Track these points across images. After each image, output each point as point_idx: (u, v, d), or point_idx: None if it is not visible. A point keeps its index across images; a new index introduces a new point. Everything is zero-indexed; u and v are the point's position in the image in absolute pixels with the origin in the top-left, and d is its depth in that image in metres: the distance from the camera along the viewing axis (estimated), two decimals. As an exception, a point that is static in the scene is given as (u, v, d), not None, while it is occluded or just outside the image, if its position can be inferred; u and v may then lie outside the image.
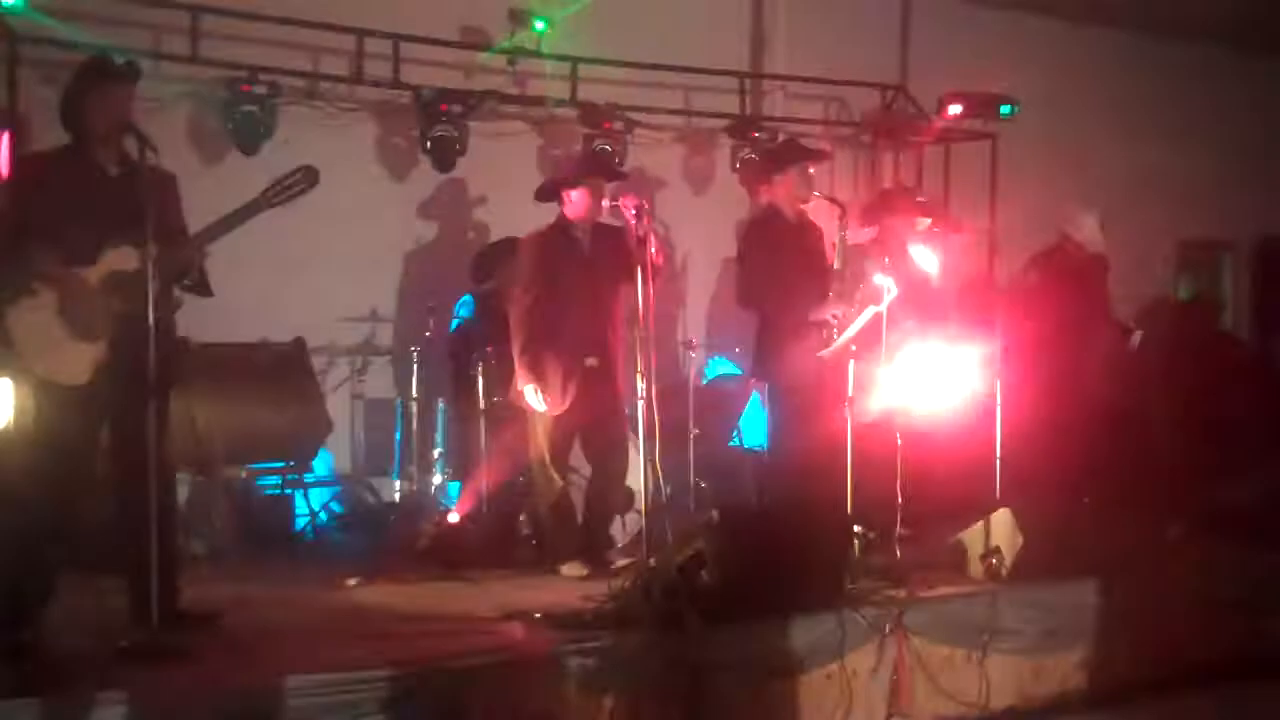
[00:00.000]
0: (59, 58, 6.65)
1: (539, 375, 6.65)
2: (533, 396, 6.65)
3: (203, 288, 5.41)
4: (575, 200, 6.83)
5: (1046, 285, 8.21)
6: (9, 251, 5.13)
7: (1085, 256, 8.26)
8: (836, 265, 7.07)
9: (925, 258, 7.86)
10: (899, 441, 6.61)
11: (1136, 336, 8.49)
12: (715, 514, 5.52)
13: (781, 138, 9.21)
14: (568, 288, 6.73)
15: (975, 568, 6.52)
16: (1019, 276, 8.58)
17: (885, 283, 6.57)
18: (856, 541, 6.21)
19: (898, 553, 6.43)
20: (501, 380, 7.15)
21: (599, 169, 7.34)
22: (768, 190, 7.46)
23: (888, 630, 5.76)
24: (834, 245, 7.13)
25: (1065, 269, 8.21)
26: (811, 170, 7.35)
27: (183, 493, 6.91)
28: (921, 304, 7.44)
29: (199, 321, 6.63)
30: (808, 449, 6.86)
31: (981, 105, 9.66)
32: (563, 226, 6.87)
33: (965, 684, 6.01)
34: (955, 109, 9.63)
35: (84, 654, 4.89)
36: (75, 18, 7.18)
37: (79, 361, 5.09)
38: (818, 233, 7.33)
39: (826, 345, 6.87)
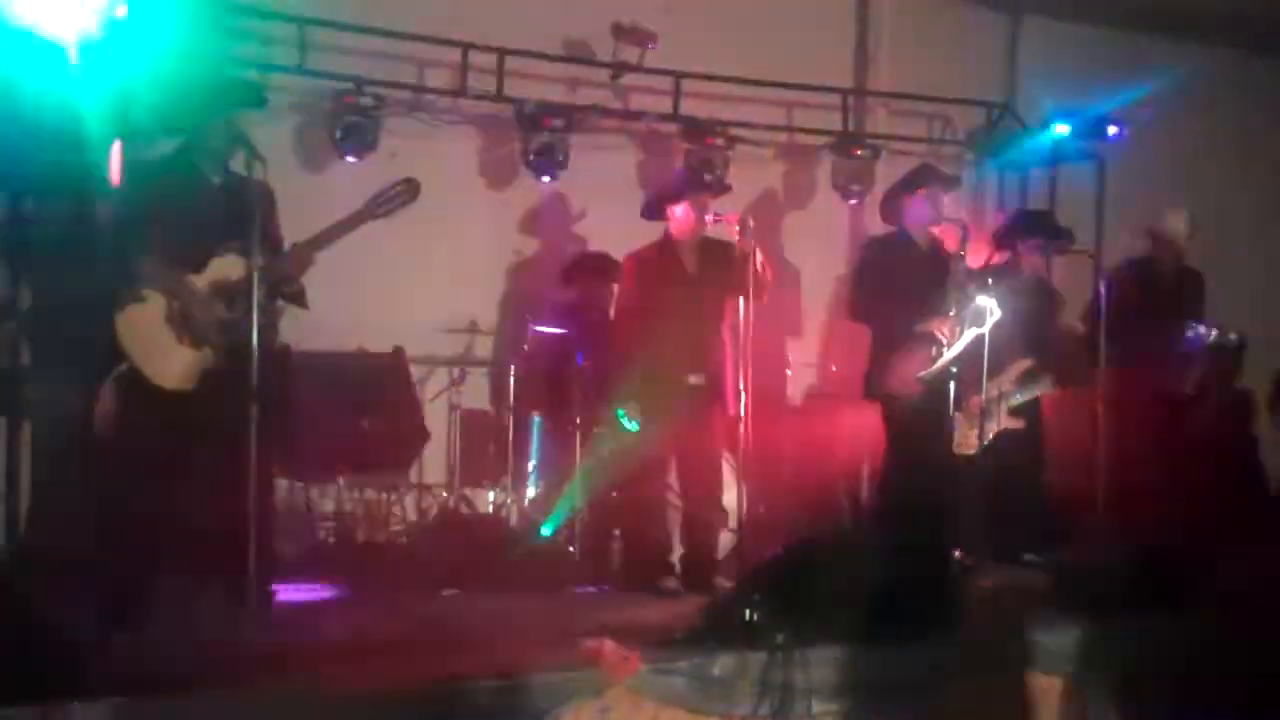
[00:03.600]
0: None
1: (634, 394, 6.64)
2: (625, 417, 6.64)
3: (300, 299, 5.47)
4: (679, 216, 6.82)
5: (1131, 297, 7.90)
6: (121, 258, 5.23)
7: (1178, 265, 8.05)
8: (952, 285, 7.00)
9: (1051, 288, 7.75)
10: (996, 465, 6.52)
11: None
12: (812, 535, 5.45)
13: (884, 155, 9.15)
14: (672, 304, 6.71)
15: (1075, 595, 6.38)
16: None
17: (989, 304, 6.48)
18: (956, 568, 6.12)
19: (993, 579, 6.32)
20: (599, 395, 7.16)
21: (702, 184, 7.31)
22: (896, 215, 7.41)
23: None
24: (953, 265, 7.07)
25: (1156, 277, 7.93)
26: (946, 197, 7.30)
27: (281, 499, 7.00)
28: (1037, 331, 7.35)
29: (300, 330, 6.71)
30: (910, 465, 6.80)
31: (1089, 125, 9.51)
32: (667, 242, 6.87)
33: (1062, 715, 5.87)
34: (1062, 128, 9.48)
35: (182, 655, 4.95)
36: (184, 28, 7.29)
37: (185, 367, 5.18)
38: (945, 259, 7.20)
39: (932, 363, 6.82)
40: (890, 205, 7.33)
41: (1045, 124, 9.56)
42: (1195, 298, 8.16)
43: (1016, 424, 7.17)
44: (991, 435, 6.94)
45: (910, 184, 7.34)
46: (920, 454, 6.82)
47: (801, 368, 8.82)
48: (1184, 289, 8.08)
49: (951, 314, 6.91)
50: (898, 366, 6.97)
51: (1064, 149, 9.73)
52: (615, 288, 7.71)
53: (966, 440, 6.83)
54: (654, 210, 6.96)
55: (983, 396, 6.74)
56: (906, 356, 6.94)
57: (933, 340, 6.92)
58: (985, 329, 6.47)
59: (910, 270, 7.13)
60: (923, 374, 6.84)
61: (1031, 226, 7.89)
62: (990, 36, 10.27)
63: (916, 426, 6.88)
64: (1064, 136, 9.51)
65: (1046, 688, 5.80)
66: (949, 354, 6.67)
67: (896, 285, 7.06)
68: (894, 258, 7.23)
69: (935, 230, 7.24)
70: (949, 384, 6.61)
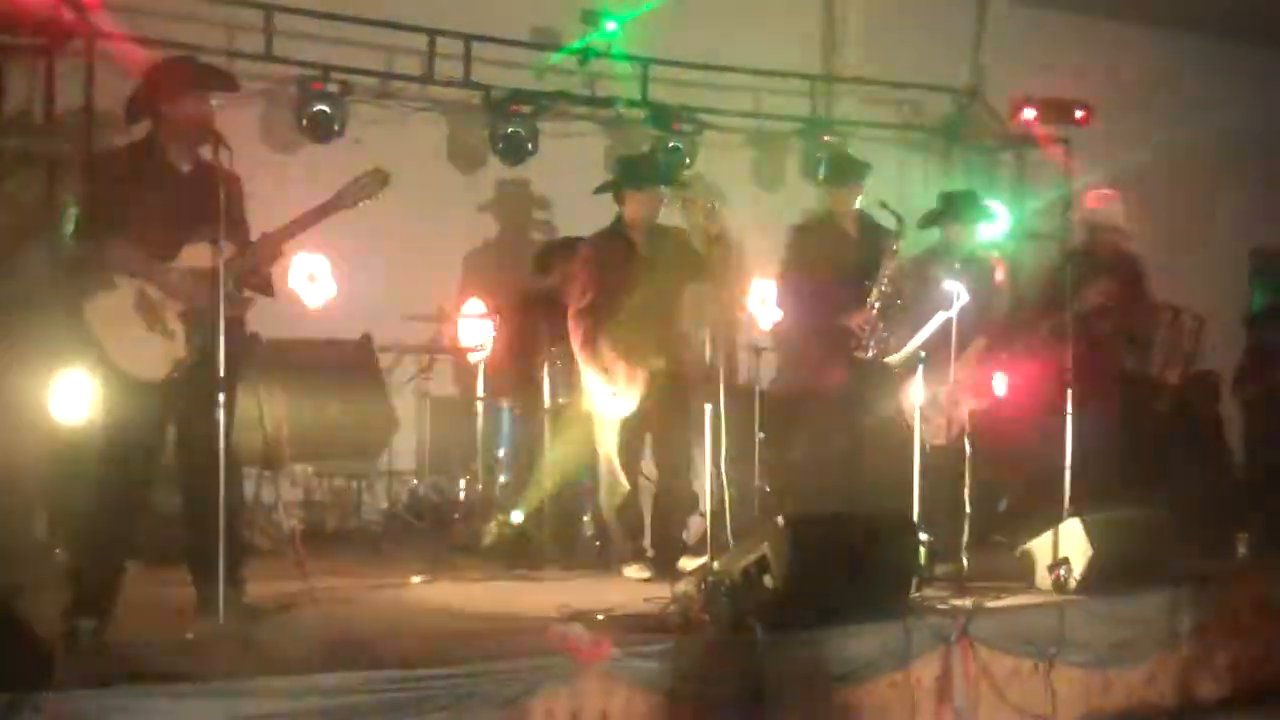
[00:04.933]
0: (134, 53, 6.73)
1: (606, 369, 6.65)
2: (603, 391, 6.65)
3: (266, 287, 5.45)
4: (635, 201, 6.81)
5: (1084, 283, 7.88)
6: (89, 245, 5.20)
7: (1118, 246, 8.05)
8: (883, 279, 7.06)
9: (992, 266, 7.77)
10: (968, 450, 6.54)
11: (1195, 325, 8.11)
12: (780, 519, 5.46)
13: (853, 141, 9.18)
14: (626, 290, 6.71)
15: (1043, 578, 6.43)
16: (1049, 277, 8.07)
17: (955, 289, 6.51)
18: (922, 550, 6.15)
19: (964, 562, 6.36)
20: (567, 381, 7.16)
21: (659, 172, 7.29)
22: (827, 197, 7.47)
23: (953, 639, 5.69)
24: (885, 257, 7.11)
25: (1101, 263, 7.93)
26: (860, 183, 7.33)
27: (249, 487, 6.98)
28: (989, 312, 7.38)
29: (268, 318, 6.67)
30: (820, 452, 6.94)
31: (1055, 110, 9.55)
32: (620, 227, 6.86)
33: (1031, 695, 5.92)
34: (1029, 114, 9.53)
35: (149, 645, 4.93)
36: (150, 14, 7.26)
37: (157, 356, 5.15)
38: (877, 241, 7.24)
39: (860, 352, 6.91)
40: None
41: (1013, 109, 9.59)
42: (1133, 281, 8.09)
43: (984, 404, 7.21)
44: (966, 418, 6.97)
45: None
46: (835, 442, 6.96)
47: (769, 354, 8.82)
48: (1120, 272, 7.98)
49: (874, 309, 7.00)
50: (813, 359, 7.11)
51: (1031, 134, 9.77)
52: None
53: (935, 428, 6.86)
54: (610, 190, 6.93)
55: (950, 381, 6.76)
56: (824, 349, 7.10)
57: (850, 335, 7.05)
58: (953, 313, 6.49)
59: (828, 257, 7.19)
60: (892, 359, 6.87)
61: (957, 207, 7.86)
62: (958, 22, 10.29)
63: (831, 414, 7.08)
64: (1031, 121, 9.55)
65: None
66: (916, 339, 6.69)
67: (816, 275, 7.12)
68: (814, 245, 7.29)
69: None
70: (918, 369, 6.63)
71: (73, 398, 6.45)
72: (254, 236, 5.38)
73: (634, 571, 6.65)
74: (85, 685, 4.26)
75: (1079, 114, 9.56)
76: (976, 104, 10.02)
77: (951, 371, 6.65)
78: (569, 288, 7.04)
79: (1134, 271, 8.03)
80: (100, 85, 7.14)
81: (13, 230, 7.16)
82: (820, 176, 8.10)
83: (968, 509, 6.43)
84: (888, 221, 7.03)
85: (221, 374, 4.91)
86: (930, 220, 7.61)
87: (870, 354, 7.05)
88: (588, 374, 6.72)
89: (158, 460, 5.28)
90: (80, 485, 5.68)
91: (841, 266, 7.20)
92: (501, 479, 7.92)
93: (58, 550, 6.52)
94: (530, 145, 8.38)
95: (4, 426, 7.02)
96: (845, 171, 7.54)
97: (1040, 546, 6.48)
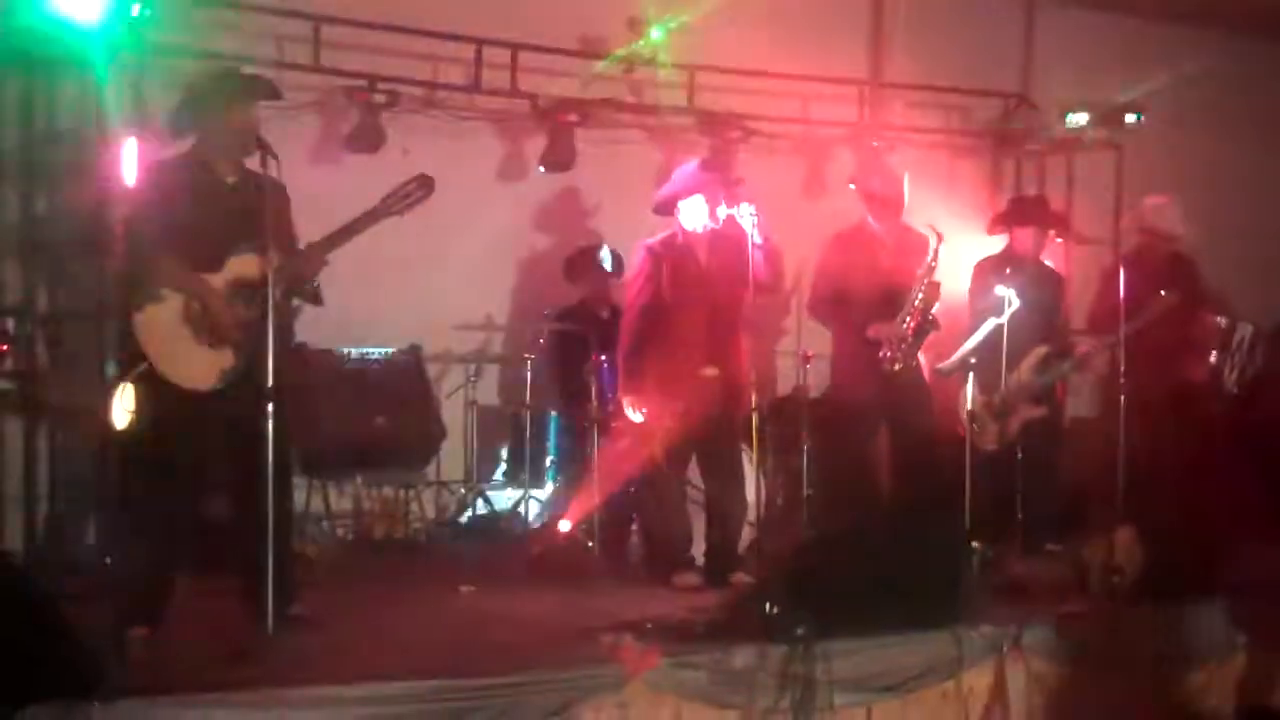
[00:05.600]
0: (183, 66, 6.78)
1: (638, 387, 6.63)
2: (629, 408, 6.64)
3: (314, 297, 5.46)
4: (689, 210, 6.79)
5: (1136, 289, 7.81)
6: (137, 257, 5.24)
7: (1173, 252, 7.97)
8: (917, 293, 7.05)
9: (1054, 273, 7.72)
10: (1019, 456, 6.49)
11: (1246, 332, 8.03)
12: (828, 528, 5.42)
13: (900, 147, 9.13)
14: (683, 298, 6.69)
15: (1096, 585, 6.36)
16: (1106, 282, 7.93)
17: (1007, 294, 6.46)
18: (974, 558, 6.10)
19: (1017, 570, 6.29)
20: (614, 389, 7.15)
21: (713, 179, 7.27)
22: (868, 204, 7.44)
23: (1005, 649, 5.63)
24: (920, 274, 7.09)
25: (1154, 268, 7.80)
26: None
27: (299, 497, 7.01)
28: (1048, 318, 7.34)
29: (316, 328, 6.70)
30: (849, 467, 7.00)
31: (1106, 114, 9.45)
32: (677, 236, 6.84)
33: (1085, 706, 5.85)
34: (1078, 118, 9.43)
35: (199, 654, 4.95)
36: (199, 26, 7.31)
37: (205, 367, 5.18)
38: (915, 252, 7.24)
39: (891, 365, 6.90)
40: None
41: (1063, 113, 9.50)
42: (1188, 288, 7.99)
43: (1039, 412, 7.16)
44: (1018, 426, 6.91)
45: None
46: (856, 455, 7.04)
47: (817, 360, 8.77)
48: (1176, 278, 7.90)
49: (906, 324, 6.98)
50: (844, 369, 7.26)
51: (1082, 138, 9.67)
52: (618, 280, 7.79)
53: (986, 434, 6.81)
54: (666, 207, 6.93)
55: (1003, 387, 6.71)
56: (854, 360, 7.17)
57: (881, 347, 7.06)
58: (1004, 319, 6.43)
59: (864, 265, 7.16)
60: (941, 366, 6.83)
61: (1025, 212, 7.81)
62: (1007, 25, 10.21)
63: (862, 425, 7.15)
64: (1082, 126, 9.46)
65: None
66: (966, 345, 6.65)
67: (850, 284, 7.11)
68: (850, 252, 7.26)
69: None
70: (968, 376, 6.58)
71: (123, 408, 6.49)
72: (301, 246, 5.40)
73: (683, 580, 6.61)
74: (136, 694, 4.29)
75: (1130, 118, 9.45)
76: (1025, 108, 9.93)
77: (1004, 378, 6.60)
78: (602, 296, 7.04)
79: (1189, 278, 7.94)
80: (149, 98, 7.19)
81: (64, 244, 7.23)
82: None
83: (1019, 516, 6.38)
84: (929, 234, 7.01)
85: (270, 383, 4.93)
86: (997, 224, 7.58)
87: (896, 368, 7.06)
88: (623, 382, 6.72)
89: (207, 470, 5.31)
90: (132, 495, 5.71)
91: (873, 277, 7.18)
92: (549, 487, 7.90)
93: (109, 559, 6.56)
94: (575, 153, 8.37)
95: (57, 439, 7.10)
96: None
97: (1094, 554, 6.41)
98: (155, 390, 5.24)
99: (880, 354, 7.09)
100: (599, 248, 8.20)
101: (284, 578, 5.16)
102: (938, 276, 7.13)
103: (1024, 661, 5.67)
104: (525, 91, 8.36)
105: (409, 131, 8.06)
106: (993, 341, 6.73)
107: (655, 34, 8.47)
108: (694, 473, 7.02)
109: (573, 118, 8.36)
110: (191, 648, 5.04)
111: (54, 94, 7.26)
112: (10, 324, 6.87)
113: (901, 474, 7.26)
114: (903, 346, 7.06)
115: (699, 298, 6.70)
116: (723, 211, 6.71)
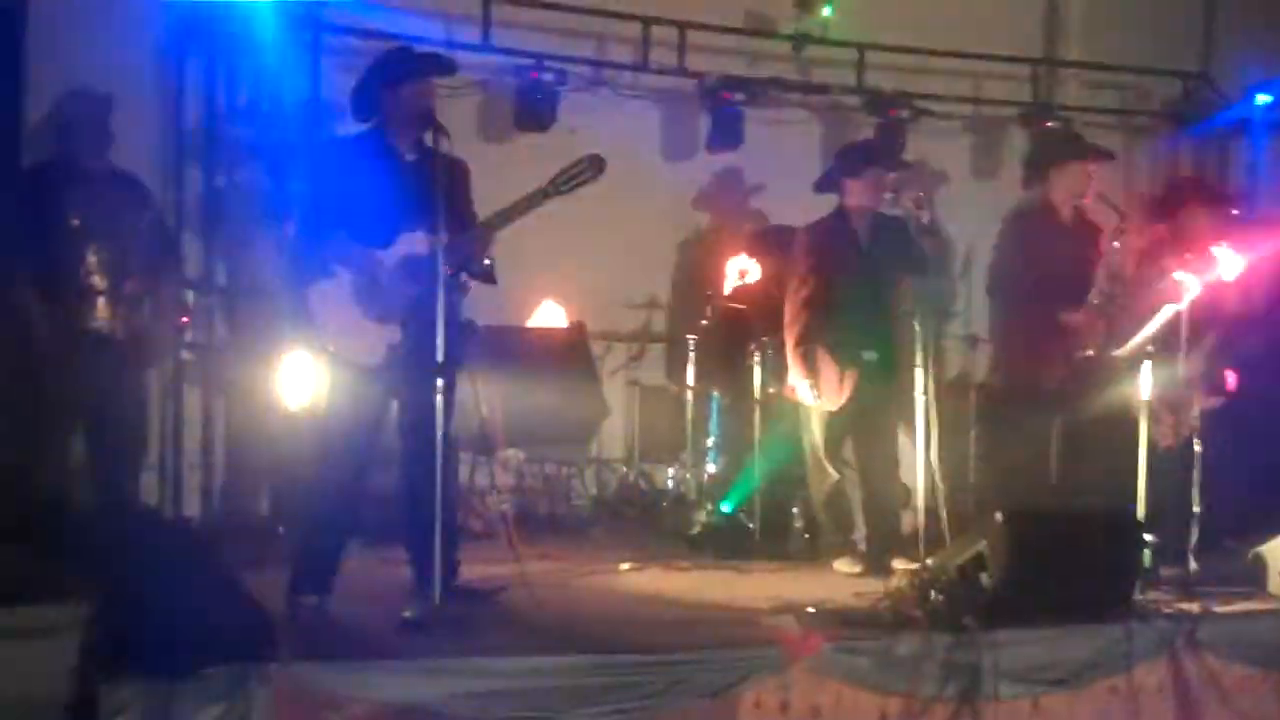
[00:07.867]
0: (357, 46, 6.91)
1: (812, 369, 6.56)
2: (806, 391, 6.57)
3: (488, 276, 5.51)
4: (855, 190, 6.70)
5: None
6: (312, 234, 5.34)
7: None
8: (1102, 275, 6.81)
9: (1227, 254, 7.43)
10: (1196, 448, 6.28)
11: None
12: (998, 515, 5.31)
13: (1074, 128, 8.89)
14: (845, 280, 6.62)
15: (1276, 584, 6.13)
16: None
17: (1186, 279, 6.24)
18: (1147, 551, 5.92)
19: (1192, 565, 6.10)
20: (777, 371, 7.09)
21: (881, 159, 7.16)
22: (1042, 182, 7.21)
23: (1179, 644, 5.46)
24: (1103, 254, 6.86)
25: None
26: (1092, 169, 7.05)
27: (465, 472, 7.10)
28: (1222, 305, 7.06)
29: (483, 305, 6.76)
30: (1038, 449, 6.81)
31: (1293, 94, 9.11)
32: (841, 217, 6.76)
33: (1261, 707, 5.65)
34: (1265, 98, 9.10)
35: (367, 622, 5.05)
36: (372, 9, 7.43)
37: (373, 342, 5.26)
38: (1091, 236, 7.02)
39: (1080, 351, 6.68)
40: (1033, 166, 7.00)
41: (1245, 94, 9.18)
42: None
43: (1216, 402, 6.91)
44: (1195, 419, 6.68)
45: (1058, 155, 7.07)
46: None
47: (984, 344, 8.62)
48: None
49: (1095, 304, 6.76)
50: (1030, 354, 6.94)
51: (1266, 120, 9.33)
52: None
53: (1165, 429, 6.60)
54: (829, 184, 6.85)
55: (1181, 378, 6.48)
56: (1042, 345, 6.87)
57: (1069, 331, 6.82)
58: (1183, 306, 6.21)
59: (1048, 247, 6.95)
60: (1118, 352, 6.62)
61: (1192, 194, 7.51)
62: (1185, 3, 9.88)
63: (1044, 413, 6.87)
64: (1265, 107, 9.12)
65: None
66: (1144, 332, 6.44)
67: (1036, 265, 6.89)
68: (1033, 233, 7.06)
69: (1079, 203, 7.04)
70: (1143, 365, 6.37)
71: (297, 381, 6.65)
72: (475, 224, 5.45)
73: (844, 565, 6.55)
74: (306, 658, 4.39)
75: (1318, 98, 9.10)
76: (1206, 88, 9.61)
77: (1181, 368, 6.38)
78: (785, 276, 6.96)
79: None
80: (325, 77, 7.35)
81: (242, 219, 7.42)
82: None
83: (1195, 510, 6.17)
84: (1110, 214, 6.80)
85: (439, 360, 4.99)
86: (1160, 206, 7.32)
87: (1091, 352, 6.84)
88: (796, 365, 6.64)
89: (378, 442, 5.40)
90: (304, 466, 5.84)
91: (1058, 258, 6.97)
92: (710, 468, 7.90)
93: (281, 528, 6.73)
94: (743, 133, 8.33)
95: (234, 410, 7.31)
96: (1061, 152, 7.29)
97: (1274, 551, 6.19)
98: (328, 364, 5.35)
99: (1071, 339, 6.86)
100: (789, 229, 8.08)
101: (450, 550, 5.24)
102: (1120, 258, 6.90)
103: (1199, 658, 5.49)
104: (693, 70, 8.34)
105: (576, 110, 8.10)
106: (1169, 328, 6.50)
107: (825, 11, 8.39)
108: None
109: (739, 96, 8.31)
110: (359, 616, 5.14)
111: (235, 72, 7.44)
112: (191, 297, 7.07)
113: (1077, 461, 7.05)
114: (1095, 329, 6.81)
115: (860, 280, 6.61)
116: (888, 194, 6.60)
